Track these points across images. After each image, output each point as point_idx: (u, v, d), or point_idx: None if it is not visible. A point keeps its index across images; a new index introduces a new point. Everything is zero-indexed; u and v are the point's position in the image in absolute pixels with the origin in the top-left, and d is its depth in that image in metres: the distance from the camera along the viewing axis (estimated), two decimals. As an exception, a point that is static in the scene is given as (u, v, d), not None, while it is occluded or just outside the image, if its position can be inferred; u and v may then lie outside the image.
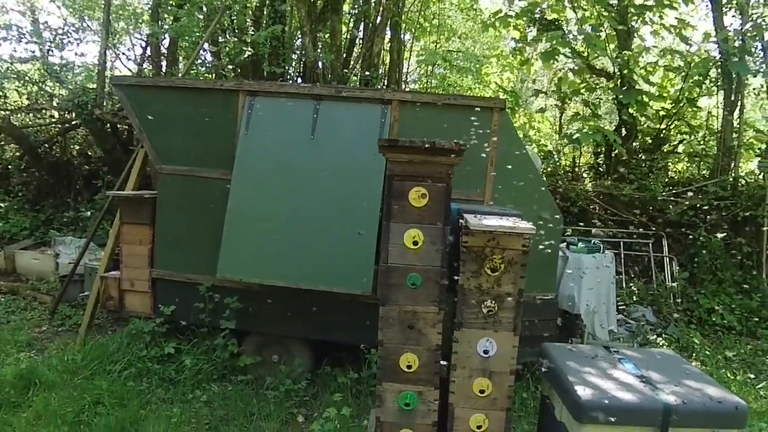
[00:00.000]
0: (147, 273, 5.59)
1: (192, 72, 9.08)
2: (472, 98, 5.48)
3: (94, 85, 9.36)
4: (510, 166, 5.05)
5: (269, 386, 5.08)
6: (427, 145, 2.94)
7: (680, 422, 2.63)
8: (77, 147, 10.50)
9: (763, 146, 9.64)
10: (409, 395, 3.10)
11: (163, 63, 9.99)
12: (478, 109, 4.93)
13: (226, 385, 5.21)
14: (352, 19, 10.28)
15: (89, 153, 10.31)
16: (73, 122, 9.75)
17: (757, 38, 8.99)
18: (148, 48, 10.44)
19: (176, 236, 5.47)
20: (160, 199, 5.51)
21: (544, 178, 9.25)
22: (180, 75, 8.18)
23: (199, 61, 9.49)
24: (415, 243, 3.02)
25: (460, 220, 3.14)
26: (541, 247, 5.17)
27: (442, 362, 3.17)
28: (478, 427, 3.06)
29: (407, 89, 10.05)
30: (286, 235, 4.81)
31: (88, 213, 9.09)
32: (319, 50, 8.68)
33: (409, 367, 3.09)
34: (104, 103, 9.07)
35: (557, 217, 5.35)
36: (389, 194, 3.04)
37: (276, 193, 4.91)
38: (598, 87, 9.54)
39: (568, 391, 2.79)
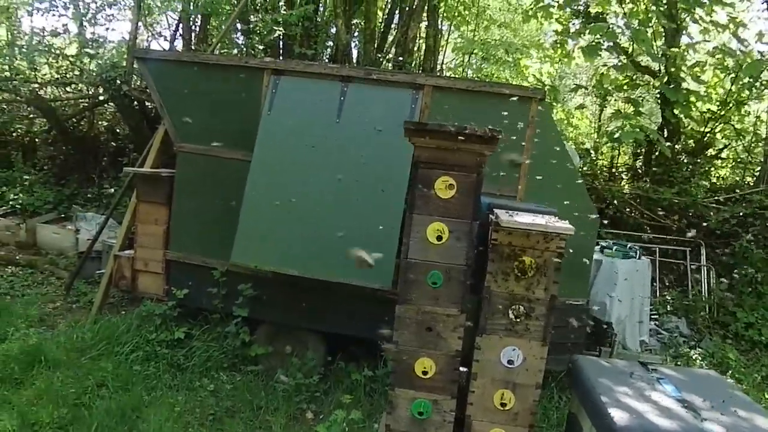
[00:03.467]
0: (161, 254, 5.42)
1: (222, 51, 8.88)
2: (510, 86, 5.16)
3: (125, 62, 9.23)
4: (547, 161, 4.73)
5: (279, 378, 4.85)
6: (457, 131, 2.66)
7: (726, 457, 2.33)
8: (105, 123, 10.39)
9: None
10: (423, 403, 2.84)
11: (194, 41, 9.80)
12: (515, 98, 4.62)
13: (235, 375, 5.00)
14: (388, 3, 9.96)
15: (117, 129, 10.20)
16: (101, 98, 9.63)
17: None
18: (180, 26, 10.26)
19: (192, 218, 5.28)
20: (177, 179, 5.32)
21: (582, 176, 8.90)
22: (208, 52, 7.97)
23: (230, 41, 9.29)
24: (439, 238, 2.75)
25: (491, 216, 2.85)
26: (573, 248, 4.84)
27: (461, 369, 2.90)
28: (498, 443, 2.79)
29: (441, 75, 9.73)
30: (303, 222, 4.57)
31: (112, 190, 8.97)
32: (355, 34, 8.40)
33: (425, 372, 2.83)
34: (132, 80, 8.91)
35: (594, 217, 5.02)
36: (413, 183, 2.77)
37: (296, 178, 4.66)
38: (641, 84, 9.12)
39: (600, 412, 2.49)
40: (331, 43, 8.98)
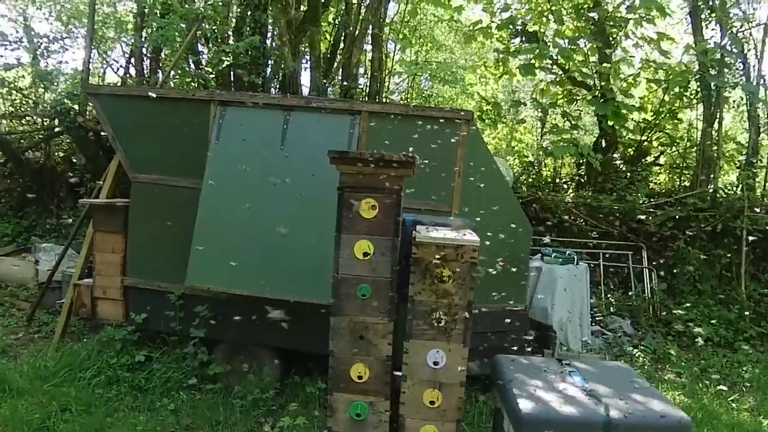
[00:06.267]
0: (119, 281, 5.61)
1: (174, 81, 9.10)
2: (440, 110, 5.52)
3: (79, 93, 9.36)
4: (479, 179, 5.09)
5: (237, 395, 5.09)
6: (376, 157, 2.99)
7: (622, 437, 2.65)
8: (61, 154, 10.48)
9: (743, 158, 9.72)
10: (360, 405, 3.13)
11: (147, 71, 10.01)
12: (446, 120, 4.97)
13: (195, 394, 5.20)
14: (333, 30, 10.33)
15: (73, 160, 10.29)
16: (57, 129, 9.75)
17: (736, 51, 9.09)
18: (132, 57, 10.47)
19: (148, 244, 5.49)
20: (132, 208, 5.53)
21: (524, 188, 9.33)
22: (159, 84, 8.20)
23: (183, 70, 9.52)
24: (365, 254, 3.06)
25: (414, 231, 3.17)
26: (509, 258, 5.20)
27: (397, 373, 3.19)
28: (429, 438, 3.09)
29: (386, 100, 10.09)
30: (254, 244, 4.84)
31: (70, 220, 9.07)
32: (299, 61, 8.73)
33: (360, 377, 3.12)
34: (87, 111, 9.06)
35: (526, 228, 5.39)
36: (339, 205, 3.09)
37: (245, 203, 4.92)
38: (576, 99, 9.62)
39: (511, 403, 2.81)
40: (278, 71, 9.26)
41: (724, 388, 6.43)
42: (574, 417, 2.67)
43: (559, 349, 6.29)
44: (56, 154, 10.35)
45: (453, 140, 4.99)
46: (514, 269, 5.29)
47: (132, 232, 5.56)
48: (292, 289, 4.71)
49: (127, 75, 10.50)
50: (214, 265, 4.90)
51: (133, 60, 10.41)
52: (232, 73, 8.89)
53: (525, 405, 2.71)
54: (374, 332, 3.10)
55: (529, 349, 5.61)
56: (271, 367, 5.30)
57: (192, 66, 9.62)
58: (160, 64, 9.91)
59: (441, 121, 4.97)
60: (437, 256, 2.95)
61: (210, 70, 8.72)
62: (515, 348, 5.32)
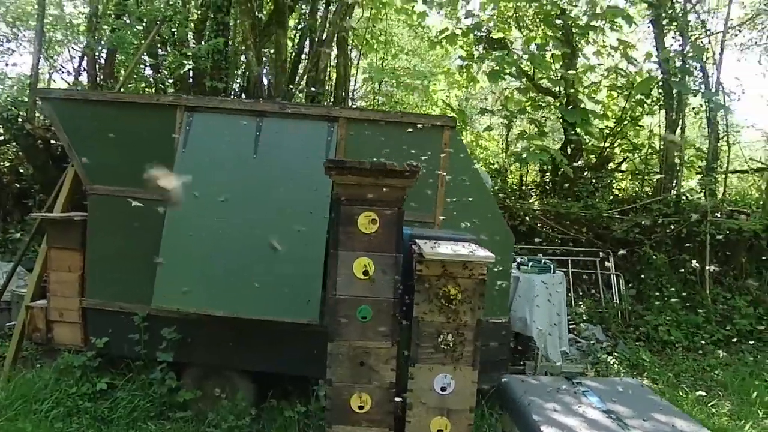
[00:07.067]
0: (77, 302, 5.19)
1: (130, 86, 8.67)
2: (422, 116, 5.33)
3: (27, 99, 8.84)
4: (460, 186, 4.90)
5: (211, 423, 4.74)
6: (377, 167, 2.75)
7: (651, 461, 2.48)
8: (7, 163, 9.87)
9: (703, 164, 9.87)
10: (360, 437, 2.87)
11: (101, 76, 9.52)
12: (428, 126, 4.78)
13: (164, 423, 4.83)
14: (298, 34, 10.07)
15: (20, 170, 9.70)
16: (2, 138, 9.18)
17: (696, 59, 9.22)
18: (84, 60, 9.95)
19: (109, 262, 5.09)
20: (90, 222, 5.13)
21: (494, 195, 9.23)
22: (116, 88, 7.78)
23: (139, 75, 9.09)
24: (366, 273, 2.81)
25: (413, 247, 2.95)
26: (492, 269, 5.02)
27: (397, 399, 2.96)
28: (436, 470, 2.86)
29: (354, 106, 9.87)
30: (225, 261, 4.51)
31: (18, 235, 8.52)
32: (264, 65, 8.44)
33: (361, 407, 2.87)
34: (36, 117, 8.55)
35: (509, 238, 5.24)
36: (336, 220, 2.83)
37: (215, 216, 4.60)
38: (543, 105, 9.61)
39: (532, 430, 2.61)
40: (241, 75, 8.95)
41: (703, 393, 6.41)
42: (602, 445, 2.48)
43: (539, 360, 6.15)
44: (1, 163, 9.74)
45: (435, 147, 4.79)
46: (497, 282, 5.13)
47: (90, 249, 5.14)
48: (271, 309, 4.41)
49: (78, 80, 9.95)
50: (183, 283, 4.54)
51: (85, 63, 9.88)
52: (192, 77, 8.53)
53: (550, 434, 2.51)
54: (376, 357, 2.85)
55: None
56: (245, 392, 4.97)
57: (149, 70, 9.18)
58: (115, 69, 9.44)
59: (423, 127, 4.77)
60: (446, 274, 2.73)
61: (168, 74, 8.31)
62: (502, 360, 5.18)
